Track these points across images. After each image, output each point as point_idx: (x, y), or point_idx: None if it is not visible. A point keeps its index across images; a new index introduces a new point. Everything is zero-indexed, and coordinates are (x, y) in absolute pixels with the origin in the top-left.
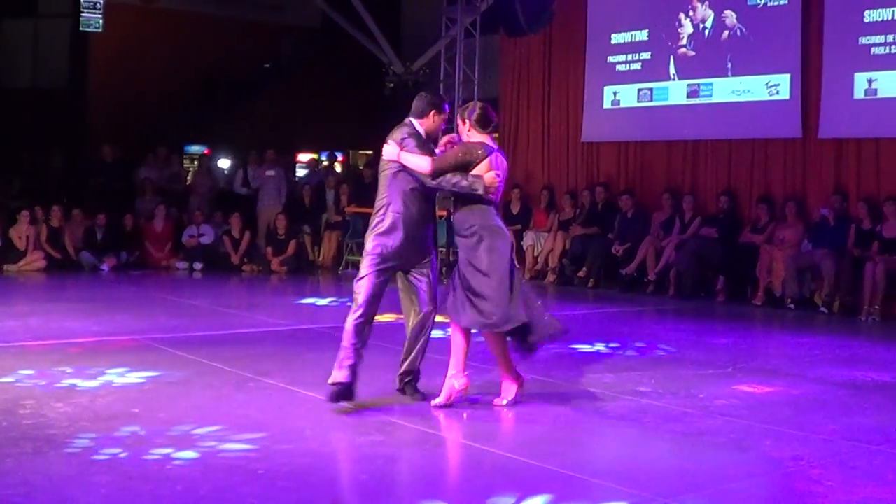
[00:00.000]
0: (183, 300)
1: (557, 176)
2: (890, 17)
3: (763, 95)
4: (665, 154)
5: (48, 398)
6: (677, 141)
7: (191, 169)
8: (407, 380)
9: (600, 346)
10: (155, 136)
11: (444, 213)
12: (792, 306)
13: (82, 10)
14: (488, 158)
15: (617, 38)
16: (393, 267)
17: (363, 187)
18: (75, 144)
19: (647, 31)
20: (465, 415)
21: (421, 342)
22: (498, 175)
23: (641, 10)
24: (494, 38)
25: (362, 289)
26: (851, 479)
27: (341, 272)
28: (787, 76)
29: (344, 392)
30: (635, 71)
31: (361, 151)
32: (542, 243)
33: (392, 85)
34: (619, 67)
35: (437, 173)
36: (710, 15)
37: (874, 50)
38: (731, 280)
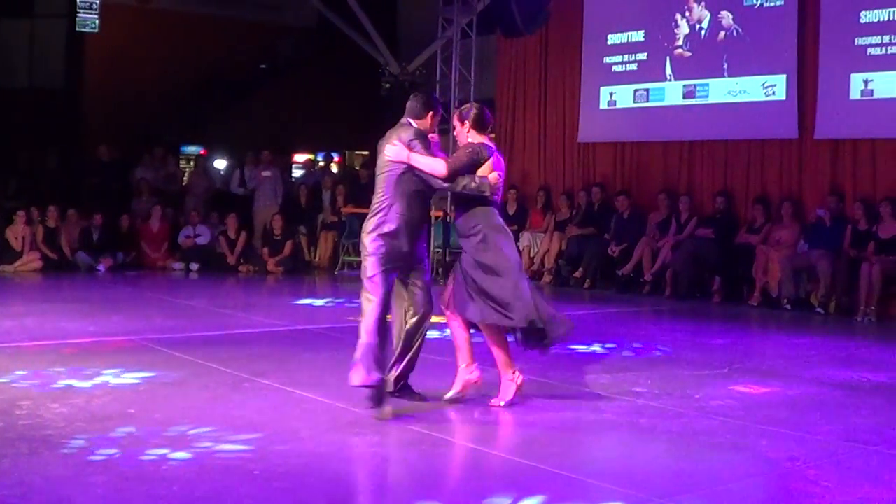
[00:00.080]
0: (179, 301)
1: (554, 176)
2: (886, 18)
3: (759, 96)
4: (661, 155)
5: (44, 399)
6: (673, 141)
7: (187, 169)
8: (402, 383)
9: (597, 347)
10: (151, 137)
11: (440, 213)
12: (788, 307)
13: (78, 10)
14: (491, 159)
15: (613, 39)
16: (395, 268)
17: (359, 188)
18: (71, 145)
19: (643, 31)
20: (476, 413)
21: (417, 345)
22: (500, 176)
23: (637, 10)
24: (491, 38)
25: (376, 287)
26: (847, 480)
27: (337, 273)
28: (784, 77)
29: (380, 392)
30: (631, 71)
31: (358, 152)
32: (538, 244)
33: (388, 85)
34: (615, 68)
35: (452, 175)
36: (707, 15)
37: (870, 51)
38: (727, 281)
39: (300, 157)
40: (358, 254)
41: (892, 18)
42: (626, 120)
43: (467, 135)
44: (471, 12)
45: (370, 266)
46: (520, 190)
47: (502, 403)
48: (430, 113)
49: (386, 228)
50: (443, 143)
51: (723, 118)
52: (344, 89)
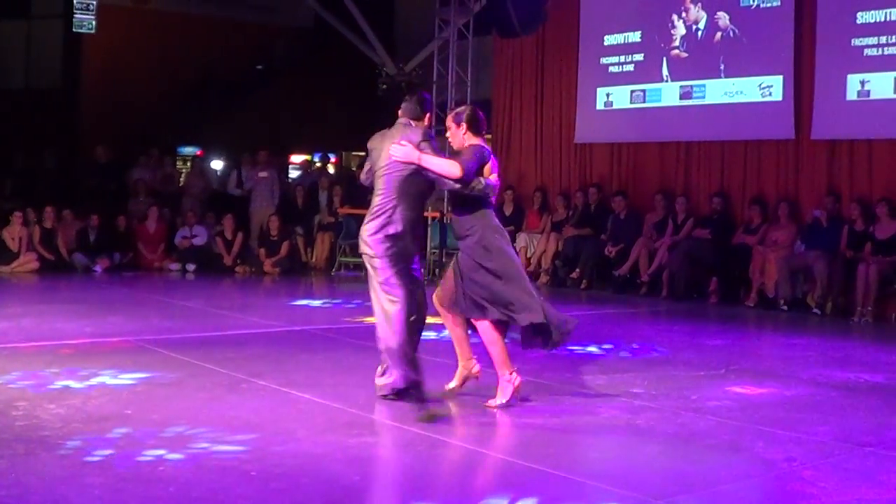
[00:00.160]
0: (176, 301)
1: (550, 177)
2: (883, 19)
3: (756, 97)
4: (658, 155)
5: (41, 399)
6: (670, 142)
7: (183, 170)
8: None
9: (593, 348)
10: (148, 138)
11: (437, 214)
12: (785, 308)
13: (75, 11)
14: (490, 161)
15: (610, 40)
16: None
17: (356, 189)
18: (68, 145)
19: (639, 32)
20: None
21: (414, 345)
22: (499, 177)
23: (634, 11)
24: (487, 39)
25: (396, 287)
26: (844, 481)
27: (334, 273)
28: (780, 78)
29: (421, 393)
30: (628, 72)
31: (354, 153)
32: (534, 245)
33: (385, 86)
34: (611, 69)
35: (466, 177)
36: (703, 16)
37: (867, 51)
38: (723, 281)
39: (297, 158)
40: (355, 255)
41: (888, 19)
42: (623, 121)
43: (464, 136)
44: (467, 13)
45: (382, 268)
46: (516, 190)
47: (496, 404)
48: (427, 115)
49: (391, 230)
50: (439, 143)
51: (719, 119)
52: (340, 90)
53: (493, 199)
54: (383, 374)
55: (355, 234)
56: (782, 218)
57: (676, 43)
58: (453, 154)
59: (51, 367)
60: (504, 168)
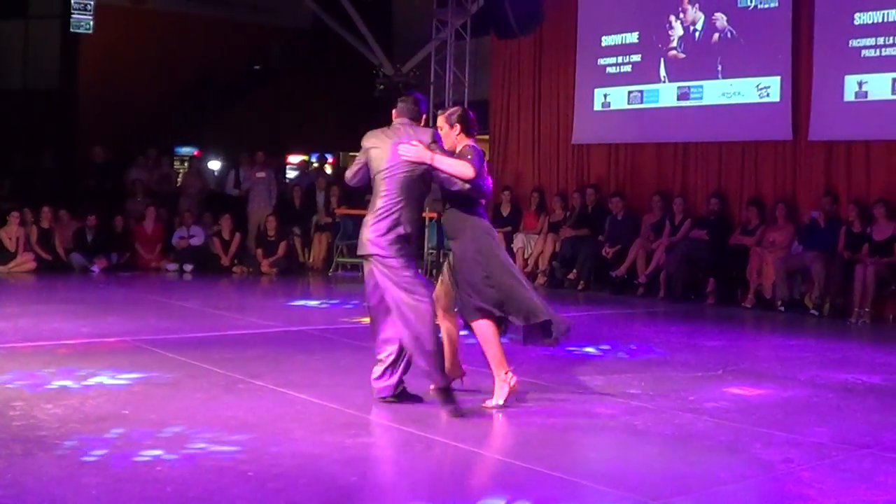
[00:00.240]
0: (173, 302)
1: (548, 178)
2: (880, 20)
3: (753, 98)
4: (655, 156)
5: (38, 399)
6: (667, 143)
7: (181, 170)
8: (401, 388)
9: (590, 349)
10: (145, 138)
11: (434, 215)
12: (782, 308)
13: (73, 11)
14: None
15: (607, 41)
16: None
17: (353, 189)
18: (66, 145)
19: (637, 33)
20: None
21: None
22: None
23: (632, 12)
24: (485, 40)
25: (423, 284)
26: (842, 482)
27: (331, 274)
28: (778, 78)
29: (451, 391)
30: (625, 73)
31: (352, 153)
32: (532, 245)
33: (382, 87)
34: (609, 69)
35: (479, 178)
36: (701, 17)
37: (864, 52)
38: (721, 282)
39: (294, 159)
40: (352, 255)
41: (886, 20)
42: (621, 121)
43: (457, 137)
44: (465, 14)
45: (400, 268)
46: (514, 191)
47: (493, 404)
48: (423, 116)
49: (402, 231)
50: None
51: (717, 120)
52: (338, 91)
53: (483, 201)
54: (381, 376)
55: (352, 235)
56: (780, 219)
57: (674, 44)
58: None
59: (48, 368)
60: (501, 169)
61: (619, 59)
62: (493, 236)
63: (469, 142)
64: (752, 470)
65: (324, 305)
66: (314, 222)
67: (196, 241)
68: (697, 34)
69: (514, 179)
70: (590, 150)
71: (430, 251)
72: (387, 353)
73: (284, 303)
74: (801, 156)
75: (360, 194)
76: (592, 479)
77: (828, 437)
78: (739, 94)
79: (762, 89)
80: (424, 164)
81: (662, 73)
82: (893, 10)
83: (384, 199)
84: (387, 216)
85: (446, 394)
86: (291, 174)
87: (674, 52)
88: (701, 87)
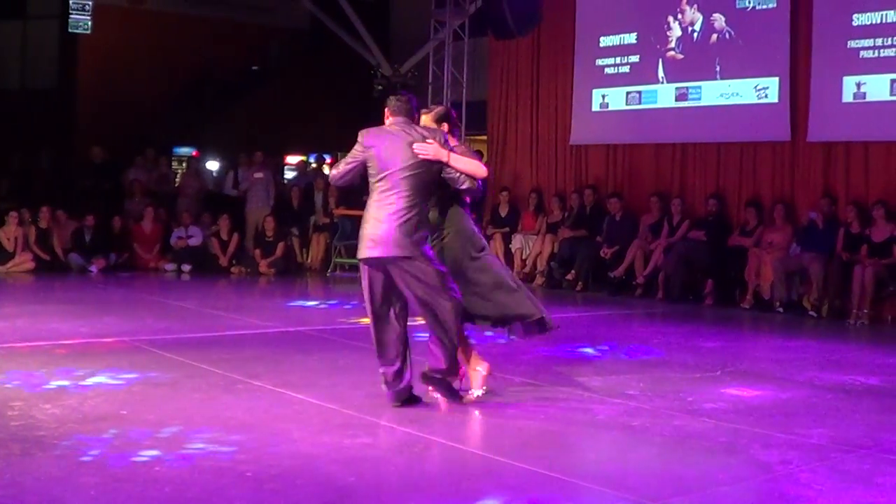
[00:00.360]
0: (171, 302)
1: (546, 178)
2: (879, 21)
3: (752, 99)
4: (653, 157)
5: (36, 399)
6: (666, 144)
7: (179, 171)
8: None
9: (589, 349)
10: (143, 138)
11: None
12: (780, 310)
13: (71, 11)
14: None
15: (605, 41)
16: None
17: (351, 190)
18: (64, 146)
19: (635, 33)
20: (468, 415)
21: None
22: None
23: (630, 12)
24: (483, 40)
25: (452, 280)
26: (840, 483)
27: (329, 274)
28: (776, 79)
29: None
30: (624, 74)
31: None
32: (530, 246)
33: (380, 87)
34: (607, 70)
35: (486, 176)
36: (699, 18)
37: (863, 53)
38: (719, 283)
39: (292, 159)
40: (350, 256)
41: (884, 21)
42: (619, 122)
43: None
44: (463, 14)
45: (430, 264)
46: (512, 192)
47: (475, 393)
48: (417, 114)
49: (424, 231)
50: None
51: (715, 121)
52: (336, 91)
53: (469, 199)
54: (396, 378)
55: (351, 235)
56: (778, 220)
57: (672, 44)
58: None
59: (46, 368)
60: (500, 169)
61: (618, 60)
62: (475, 235)
63: (455, 141)
64: (751, 471)
65: (322, 306)
66: (312, 223)
67: (194, 241)
68: (696, 35)
69: (513, 180)
70: (588, 151)
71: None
72: (395, 354)
73: (283, 303)
74: (799, 157)
75: (359, 195)
76: (591, 480)
77: (826, 439)
78: (738, 94)
79: (760, 90)
80: (441, 162)
81: (661, 73)
82: (892, 11)
83: (404, 198)
84: (410, 216)
85: (450, 387)
86: (290, 175)
87: (672, 52)
88: (699, 87)
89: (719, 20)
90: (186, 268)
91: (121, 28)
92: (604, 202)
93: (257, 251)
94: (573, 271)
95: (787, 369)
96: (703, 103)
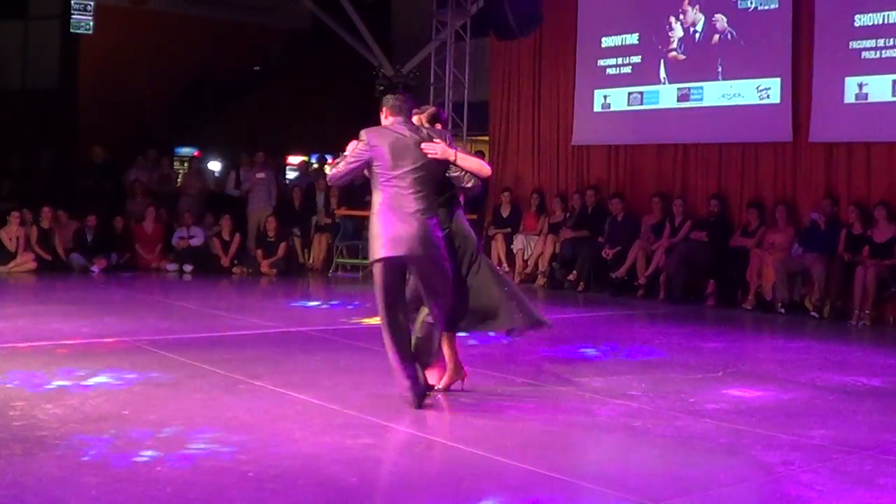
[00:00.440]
0: (173, 302)
1: (547, 179)
2: (880, 22)
3: (754, 99)
4: (655, 158)
5: (38, 399)
6: (668, 144)
7: (181, 171)
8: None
9: (590, 350)
10: (145, 138)
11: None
12: (782, 310)
13: (73, 11)
14: None
15: (607, 42)
16: None
17: (353, 190)
18: (65, 146)
19: (637, 34)
20: (470, 416)
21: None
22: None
23: (632, 13)
24: (484, 41)
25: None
26: (842, 484)
27: (331, 275)
28: (778, 80)
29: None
30: (625, 74)
31: None
32: (531, 246)
33: (382, 88)
34: (609, 71)
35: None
36: (701, 19)
37: (865, 54)
38: (721, 284)
39: (294, 159)
40: (352, 256)
41: (886, 22)
42: (621, 123)
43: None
44: (464, 15)
45: (444, 267)
46: (513, 192)
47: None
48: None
49: (446, 228)
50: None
51: (717, 121)
52: (338, 91)
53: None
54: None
55: (352, 236)
56: (780, 221)
57: (674, 45)
58: None
59: (48, 368)
60: (501, 169)
61: (619, 61)
62: (473, 237)
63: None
64: (753, 472)
65: (323, 306)
66: (314, 223)
67: (196, 241)
68: (697, 35)
69: (514, 180)
70: (590, 152)
71: None
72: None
73: (284, 303)
74: (801, 157)
75: (361, 195)
76: (592, 481)
77: (828, 440)
78: (739, 95)
79: (762, 91)
80: (448, 161)
81: (662, 74)
82: (894, 12)
83: (421, 198)
84: (430, 216)
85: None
86: (291, 175)
87: (674, 53)
88: (701, 88)
89: (721, 21)
90: (188, 268)
91: (122, 28)
92: (605, 203)
93: (259, 251)
94: (575, 272)
95: (789, 370)
96: (704, 104)
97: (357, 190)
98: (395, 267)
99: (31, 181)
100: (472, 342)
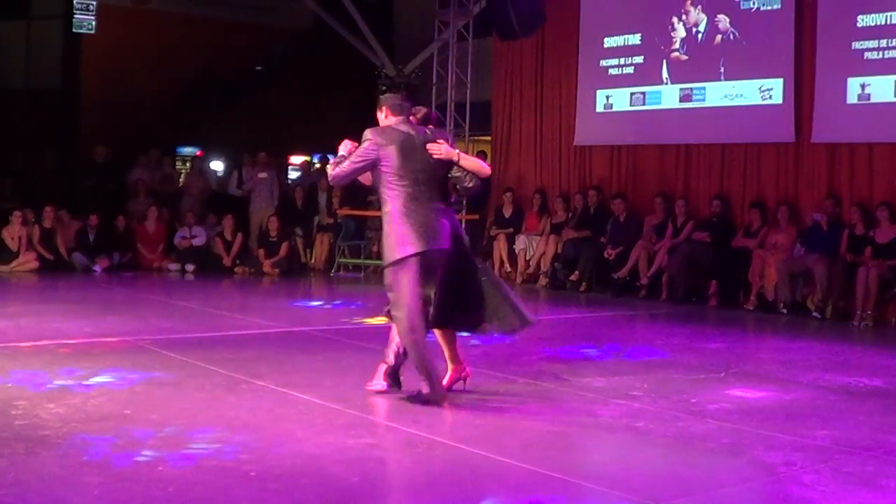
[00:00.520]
0: (175, 302)
1: (550, 179)
2: (883, 23)
3: (756, 100)
4: (658, 158)
5: (40, 399)
6: (670, 145)
7: (183, 170)
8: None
9: (592, 350)
10: (147, 138)
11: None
12: (784, 311)
13: (75, 11)
14: None
15: (610, 42)
16: None
17: (355, 190)
18: (68, 145)
19: (639, 34)
20: (471, 416)
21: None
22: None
23: (634, 13)
24: (487, 41)
25: None
26: (844, 485)
27: (333, 275)
28: (780, 81)
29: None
30: (628, 75)
31: None
32: (534, 247)
33: (384, 88)
34: (611, 71)
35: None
36: (703, 19)
37: (867, 55)
38: (723, 284)
39: (296, 159)
40: (354, 256)
41: (888, 22)
42: (623, 123)
43: None
44: (467, 15)
45: (455, 263)
46: (516, 192)
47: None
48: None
49: (459, 227)
50: None
51: (719, 122)
52: (340, 91)
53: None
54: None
55: (354, 236)
56: (782, 221)
57: (676, 45)
58: None
59: (50, 367)
60: (503, 169)
61: (622, 61)
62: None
63: None
64: (754, 472)
65: (326, 306)
66: (316, 223)
67: (198, 241)
68: (700, 36)
69: (516, 181)
70: (592, 152)
71: None
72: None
73: (286, 303)
74: (803, 158)
75: (363, 195)
76: (594, 481)
77: (830, 440)
78: (742, 96)
79: (765, 91)
80: (452, 162)
81: (665, 74)
82: None
83: (437, 196)
84: (447, 213)
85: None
86: (293, 175)
87: (676, 53)
88: (703, 88)
89: (724, 21)
90: (190, 268)
91: (125, 28)
92: (608, 203)
93: (261, 251)
94: (577, 272)
95: (791, 371)
96: (707, 104)
97: (359, 190)
98: (430, 260)
99: (34, 181)
100: (474, 342)
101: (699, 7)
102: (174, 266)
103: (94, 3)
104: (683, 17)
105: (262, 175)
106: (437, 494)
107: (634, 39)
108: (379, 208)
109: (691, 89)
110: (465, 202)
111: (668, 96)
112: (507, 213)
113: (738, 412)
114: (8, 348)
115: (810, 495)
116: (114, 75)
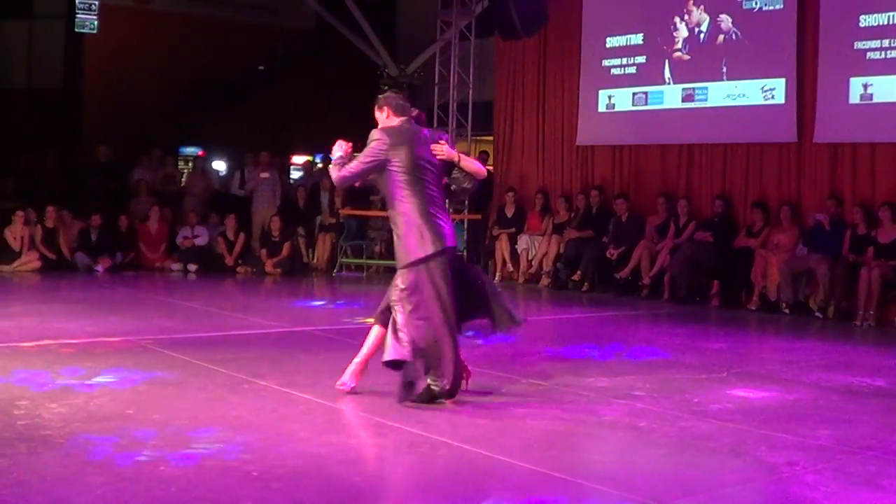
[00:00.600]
0: (177, 301)
1: (552, 179)
2: (885, 22)
3: (758, 100)
4: (660, 158)
5: (42, 399)
6: (672, 145)
7: (185, 170)
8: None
9: (594, 350)
10: (150, 138)
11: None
12: (787, 311)
13: (77, 11)
14: None
15: (612, 42)
16: None
17: (357, 190)
18: (70, 145)
19: (642, 34)
20: (474, 416)
21: None
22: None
23: (636, 13)
24: (489, 41)
25: None
26: (846, 485)
27: (335, 275)
28: (783, 80)
29: None
30: (630, 74)
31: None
32: (536, 247)
33: (387, 88)
34: (613, 71)
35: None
36: (706, 19)
37: (870, 55)
38: (725, 284)
39: (298, 159)
40: (356, 256)
41: (891, 22)
42: (625, 123)
43: None
44: (469, 15)
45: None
46: (518, 192)
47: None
48: None
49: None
50: None
51: (722, 122)
52: (342, 91)
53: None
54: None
55: (357, 236)
56: (784, 221)
57: (679, 45)
58: None
59: (52, 367)
60: (506, 169)
61: (624, 61)
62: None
63: None
64: (757, 472)
65: (328, 306)
66: (318, 223)
67: (200, 241)
68: (702, 36)
69: (519, 181)
70: (594, 152)
71: (461, 251)
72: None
73: (288, 303)
74: (805, 158)
75: (365, 195)
76: (596, 481)
77: (832, 440)
78: (744, 95)
79: (767, 91)
80: (452, 162)
81: (667, 74)
82: None
83: (442, 196)
84: (449, 213)
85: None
86: (296, 175)
87: (678, 53)
88: (706, 88)
89: (726, 21)
90: (192, 267)
91: (127, 28)
92: (610, 203)
93: (263, 251)
94: (579, 272)
95: (794, 371)
96: (709, 104)
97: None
98: (447, 259)
99: (36, 180)
100: (477, 342)
101: (701, 7)
102: (176, 266)
103: (97, 2)
104: (686, 16)
105: (265, 175)
106: (438, 494)
107: (637, 39)
108: (382, 208)
109: (693, 89)
110: (466, 202)
111: (670, 96)
112: (510, 212)
113: (741, 412)
114: (10, 348)
115: (812, 495)
116: (116, 75)
